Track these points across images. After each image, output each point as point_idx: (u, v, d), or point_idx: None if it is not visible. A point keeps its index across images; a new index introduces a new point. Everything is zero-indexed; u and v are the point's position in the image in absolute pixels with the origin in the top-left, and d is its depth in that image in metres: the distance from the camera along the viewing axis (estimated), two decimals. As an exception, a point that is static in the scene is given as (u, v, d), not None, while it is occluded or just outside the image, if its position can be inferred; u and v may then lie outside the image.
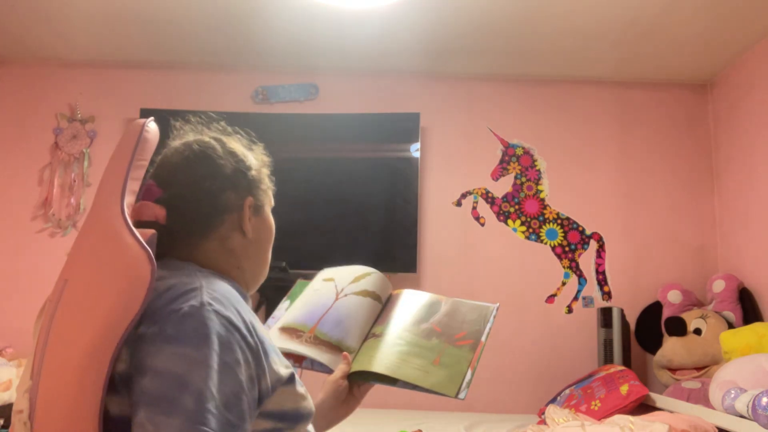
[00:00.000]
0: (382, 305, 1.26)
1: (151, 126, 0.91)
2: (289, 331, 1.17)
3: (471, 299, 3.36)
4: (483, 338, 1.16)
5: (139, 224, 0.85)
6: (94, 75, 3.22)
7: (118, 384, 0.74)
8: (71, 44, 3.04)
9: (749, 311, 2.71)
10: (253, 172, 0.99)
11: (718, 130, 3.15)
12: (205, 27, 2.82)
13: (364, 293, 1.23)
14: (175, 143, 0.97)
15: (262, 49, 3.03)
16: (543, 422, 2.35)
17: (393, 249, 3.05)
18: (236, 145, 0.99)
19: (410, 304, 1.25)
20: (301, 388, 0.87)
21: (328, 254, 2.97)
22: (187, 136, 0.99)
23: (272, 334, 1.19)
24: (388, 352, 1.14)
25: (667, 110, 3.22)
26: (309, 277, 1.34)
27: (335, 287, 1.25)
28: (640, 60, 3.01)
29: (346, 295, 1.22)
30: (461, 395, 1.06)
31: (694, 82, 3.23)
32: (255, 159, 1.00)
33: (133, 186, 0.86)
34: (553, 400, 2.72)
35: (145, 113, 3.09)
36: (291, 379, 0.85)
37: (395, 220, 3.05)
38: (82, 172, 3.14)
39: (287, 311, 1.24)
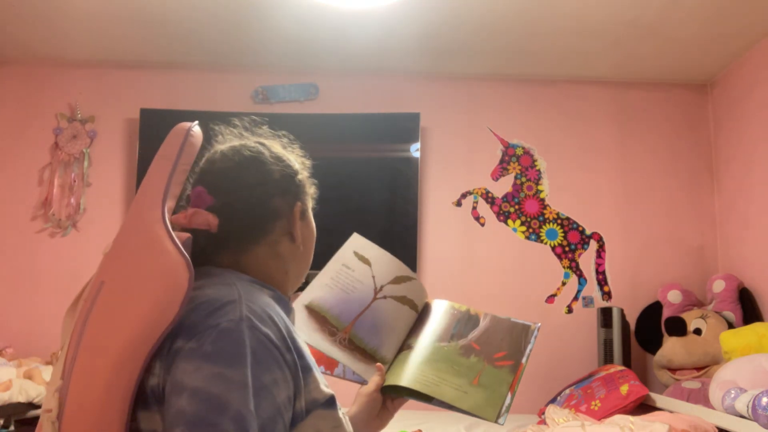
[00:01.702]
0: (417, 315, 1.21)
1: (196, 130, 0.90)
2: (320, 319, 1.11)
3: (470, 300, 3.34)
4: (524, 360, 1.11)
5: (190, 231, 0.85)
6: (94, 75, 3.22)
7: (149, 398, 0.73)
8: (71, 44, 3.04)
9: (749, 311, 2.71)
10: (300, 177, 0.98)
11: (718, 130, 3.15)
12: (205, 27, 2.82)
13: (403, 300, 1.18)
14: (222, 148, 0.95)
15: (262, 49, 3.03)
16: (543, 422, 2.35)
17: (393, 249, 3.02)
18: (280, 149, 0.99)
19: (444, 317, 1.20)
20: (340, 412, 0.84)
21: (328, 254, 2.97)
22: (230, 141, 0.97)
23: (298, 313, 1.11)
24: (424, 367, 1.09)
25: (667, 110, 3.22)
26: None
27: (373, 280, 1.18)
28: (640, 60, 3.01)
29: (385, 297, 1.16)
30: (500, 420, 1.02)
31: (694, 82, 3.23)
32: (297, 162, 1.00)
33: (175, 190, 0.85)
34: (553, 400, 2.72)
35: (145, 113, 3.09)
36: (331, 403, 0.82)
37: (395, 220, 3.05)
38: (82, 172, 3.14)
39: (314, 283, 1.16)
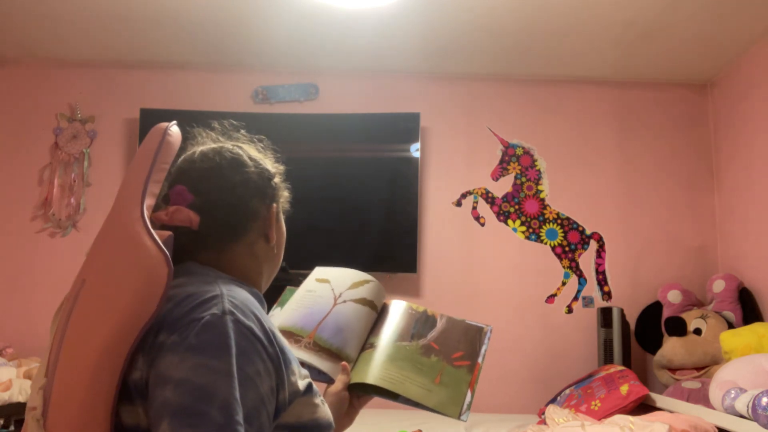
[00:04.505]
0: (377, 315, 1.26)
1: (174, 129, 0.92)
2: (286, 334, 1.15)
3: (470, 300, 3.34)
4: (480, 360, 1.18)
5: (171, 228, 0.86)
6: (94, 75, 3.22)
7: (132, 392, 0.74)
8: (71, 44, 3.04)
9: (749, 311, 2.71)
10: (276, 180, 1.02)
11: (718, 130, 3.15)
12: (205, 27, 2.82)
13: (363, 302, 1.22)
14: (201, 149, 0.98)
15: (262, 49, 3.03)
16: (543, 422, 2.35)
17: (393, 249, 3.05)
18: (256, 153, 1.02)
19: (404, 317, 1.25)
20: (318, 398, 0.86)
21: (328, 254, 2.97)
22: (207, 143, 1.00)
23: None
24: (388, 365, 1.13)
25: (667, 110, 3.22)
26: (306, 277, 1.32)
27: (332, 291, 1.23)
28: (640, 60, 3.01)
29: (344, 302, 1.21)
30: (463, 417, 1.08)
31: (694, 82, 3.23)
32: (272, 167, 1.03)
33: (154, 189, 0.86)
34: (553, 400, 2.72)
35: (145, 113, 3.09)
36: (309, 389, 0.84)
37: (395, 220, 3.05)
38: (82, 172, 3.14)
39: (281, 313, 1.22)
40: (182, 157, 0.96)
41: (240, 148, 1.00)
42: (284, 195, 1.05)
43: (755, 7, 2.50)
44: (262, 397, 0.75)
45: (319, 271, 1.30)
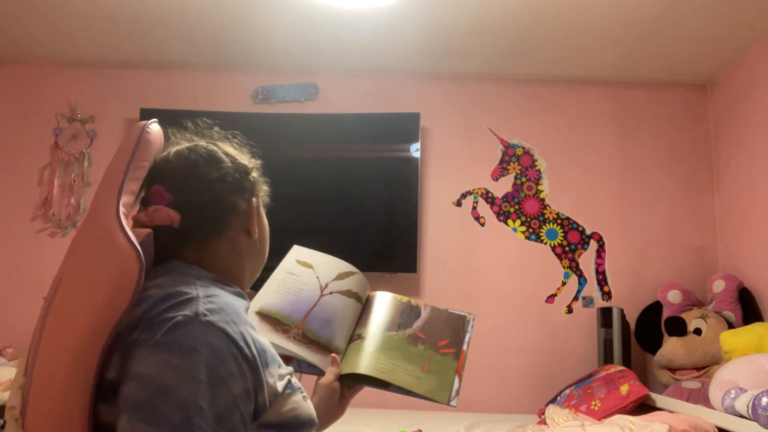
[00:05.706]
0: (362, 306, 1.27)
1: (153, 127, 0.93)
2: (272, 321, 1.15)
3: (470, 300, 3.33)
4: (465, 347, 1.20)
5: (153, 228, 0.87)
6: (94, 75, 3.23)
7: (107, 391, 0.75)
8: (71, 44, 3.04)
9: (749, 311, 2.71)
10: (254, 174, 1.02)
11: (718, 130, 3.15)
12: (205, 27, 2.82)
13: (349, 294, 1.24)
14: (176, 148, 0.98)
15: (262, 49, 3.03)
16: (543, 422, 2.35)
17: (393, 249, 3.05)
18: (232, 149, 1.02)
19: (389, 308, 1.26)
20: (299, 395, 0.86)
21: (329, 254, 2.97)
22: (181, 143, 1.00)
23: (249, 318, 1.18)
24: (378, 355, 1.15)
25: (667, 110, 3.22)
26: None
27: (318, 280, 1.24)
28: (640, 60, 3.01)
29: (331, 293, 1.23)
30: (453, 402, 1.11)
31: (694, 82, 3.23)
32: (248, 162, 1.03)
33: (132, 186, 0.87)
34: (553, 400, 2.72)
35: (145, 113, 3.09)
36: (289, 386, 0.85)
37: (395, 220, 3.05)
38: (82, 172, 3.15)
39: (263, 292, 1.22)
40: (158, 158, 0.96)
41: (215, 144, 1.00)
42: (264, 189, 1.05)
43: (755, 7, 2.50)
44: (234, 398, 0.74)
45: (299, 252, 1.30)
